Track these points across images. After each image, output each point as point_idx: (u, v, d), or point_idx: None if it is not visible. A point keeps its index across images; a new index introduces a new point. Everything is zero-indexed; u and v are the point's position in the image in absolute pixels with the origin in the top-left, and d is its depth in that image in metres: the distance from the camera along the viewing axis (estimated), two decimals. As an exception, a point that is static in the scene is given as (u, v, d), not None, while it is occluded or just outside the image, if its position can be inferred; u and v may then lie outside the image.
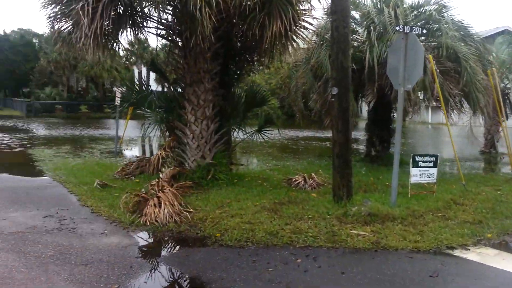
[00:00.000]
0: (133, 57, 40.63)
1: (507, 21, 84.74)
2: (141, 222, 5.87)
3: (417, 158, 7.07)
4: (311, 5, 8.13)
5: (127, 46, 39.58)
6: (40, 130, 22.03)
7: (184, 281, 4.38)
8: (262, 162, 12.24)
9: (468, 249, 5.06)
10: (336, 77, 6.56)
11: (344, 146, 6.61)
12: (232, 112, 8.92)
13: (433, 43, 10.36)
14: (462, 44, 10.12)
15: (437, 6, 10.78)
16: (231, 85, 9.16)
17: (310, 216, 6.04)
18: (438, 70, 8.78)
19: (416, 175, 7.07)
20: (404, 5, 10.81)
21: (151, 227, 5.72)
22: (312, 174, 8.66)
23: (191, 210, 6.45)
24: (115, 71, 37.05)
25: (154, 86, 40.16)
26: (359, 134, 18.50)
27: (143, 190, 7.20)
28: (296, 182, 8.30)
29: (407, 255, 4.83)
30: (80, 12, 6.51)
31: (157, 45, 8.39)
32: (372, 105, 10.89)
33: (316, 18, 9.39)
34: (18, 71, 46.05)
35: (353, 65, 8.67)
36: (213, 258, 4.69)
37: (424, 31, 8.83)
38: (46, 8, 7.80)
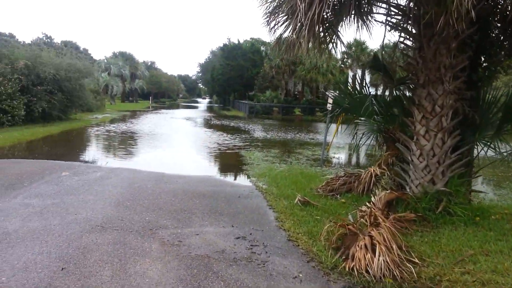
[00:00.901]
0: (348, 60, 39.84)
1: None
2: (347, 268, 4.32)
3: None
4: None
5: (343, 49, 39.06)
6: (256, 131, 23.26)
7: None
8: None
9: None
10: None
11: None
12: (481, 122, 6.41)
13: None
14: None
15: None
16: (480, 86, 6.65)
17: None
18: None
19: None
20: None
21: (359, 280, 4.10)
22: None
23: (416, 260, 4.55)
24: (330, 74, 36.90)
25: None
26: None
27: (349, 216, 5.69)
28: None
29: None
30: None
31: (384, 35, 6.38)
32: None
33: None
34: (246, 75, 51.56)
35: None
36: None
37: None
38: (263, 4, 7.18)
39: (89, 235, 5.03)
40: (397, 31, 6.89)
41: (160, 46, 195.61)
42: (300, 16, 5.68)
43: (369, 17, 7.22)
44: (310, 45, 7.08)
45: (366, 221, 5.60)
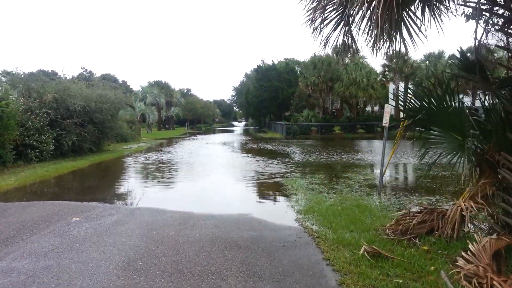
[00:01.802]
0: (390, 73, 37.60)
1: None
2: None
3: None
4: None
5: (384, 61, 37.01)
6: (296, 154, 21.48)
7: None
8: None
9: None
10: None
11: None
12: None
13: None
14: None
15: None
16: None
17: None
18: None
19: None
20: None
21: None
22: None
23: None
24: (371, 89, 34.75)
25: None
26: None
27: (444, 278, 3.88)
28: None
29: None
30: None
31: (477, 21, 4.53)
32: None
33: None
34: (281, 96, 50.19)
35: None
36: None
37: None
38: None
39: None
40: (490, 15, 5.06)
41: (195, 73, 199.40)
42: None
43: (443, 4, 5.48)
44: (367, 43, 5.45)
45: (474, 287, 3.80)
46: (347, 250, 5.38)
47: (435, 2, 5.20)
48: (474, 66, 5.02)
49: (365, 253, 5.07)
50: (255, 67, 58.23)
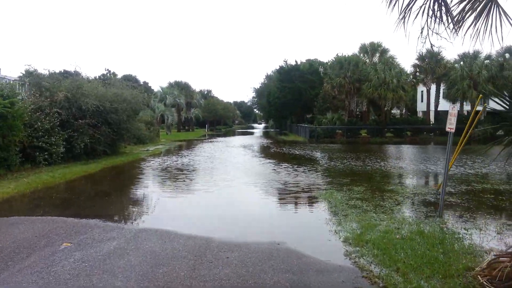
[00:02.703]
0: (421, 74, 35.36)
1: None
2: None
3: None
4: None
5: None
6: (324, 159, 19.69)
7: None
8: None
9: None
10: None
11: None
12: None
13: None
14: None
15: None
16: None
17: None
18: None
19: None
20: None
21: None
22: None
23: None
24: (401, 90, 32.56)
25: (443, 104, 33.29)
26: None
27: None
28: None
29: None
30: None
31: None
32: None
33: None
34: (304, 98, 48.38)
35: None
36: None
37: None
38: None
39: None
40: None
41: (216, 74, 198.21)
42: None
43: None
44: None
45: None
46: (435, 314, 3.68)
47: None
48: None
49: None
50: (277, 67, 56.65)
